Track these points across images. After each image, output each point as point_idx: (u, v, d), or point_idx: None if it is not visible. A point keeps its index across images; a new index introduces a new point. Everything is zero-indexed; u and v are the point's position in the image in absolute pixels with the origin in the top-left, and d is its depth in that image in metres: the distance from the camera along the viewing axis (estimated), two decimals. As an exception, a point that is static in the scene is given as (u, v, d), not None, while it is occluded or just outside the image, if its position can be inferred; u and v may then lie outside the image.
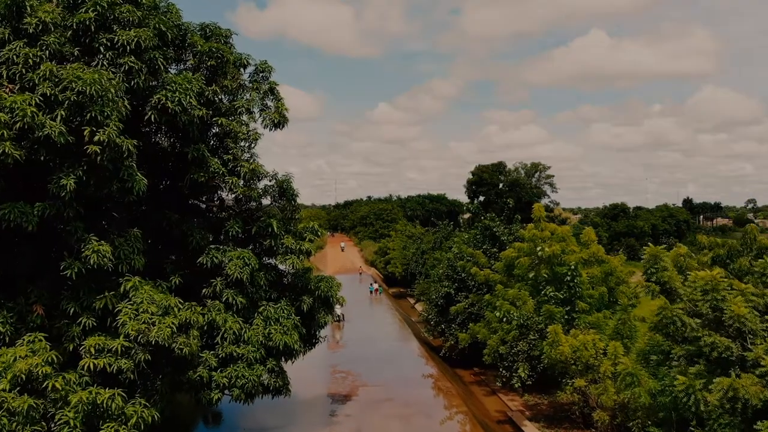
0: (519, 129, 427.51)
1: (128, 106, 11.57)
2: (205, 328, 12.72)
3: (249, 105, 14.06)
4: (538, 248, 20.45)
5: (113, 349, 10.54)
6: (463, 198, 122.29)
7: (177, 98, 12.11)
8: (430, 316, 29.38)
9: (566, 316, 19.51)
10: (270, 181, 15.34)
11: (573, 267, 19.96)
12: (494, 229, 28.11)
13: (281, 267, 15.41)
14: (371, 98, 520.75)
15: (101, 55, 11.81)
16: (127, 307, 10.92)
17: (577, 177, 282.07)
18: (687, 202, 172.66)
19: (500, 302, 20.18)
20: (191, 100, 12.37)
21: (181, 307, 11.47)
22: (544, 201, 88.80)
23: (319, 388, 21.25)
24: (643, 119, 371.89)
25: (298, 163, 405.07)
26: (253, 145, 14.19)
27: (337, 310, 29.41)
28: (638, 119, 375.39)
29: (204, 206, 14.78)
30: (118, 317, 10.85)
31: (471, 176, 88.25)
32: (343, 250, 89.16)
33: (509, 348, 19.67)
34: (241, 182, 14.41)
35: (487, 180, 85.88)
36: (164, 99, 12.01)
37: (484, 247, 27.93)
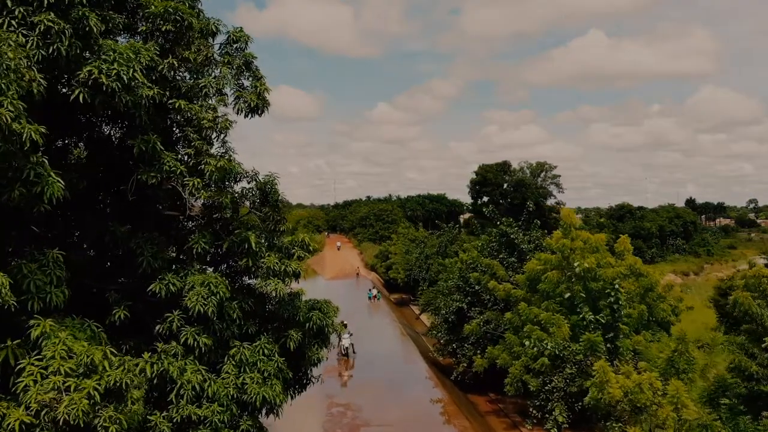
0: (519, 129, 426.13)
1: (43, 80, 8.34)
2: (155, 381, 9.48)
3: (218, 84, 10.79)
4: (576, 263, 17.22)
5: (9, 426, 7.31)
6: (463, 198, 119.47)
7: (115, 71, 8.87)
8: (439, 334, 26.16)
9: (608, 345, 16.33)
10: (249, 182, 12.10)
11: (615, 286, 16.74)
12: (512, 236, 24.90)
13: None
14: (371, 98, 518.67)
15: (8, 12, 8.58)
16: (33, 365, 7.69)
17: (577, 177, 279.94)
18: (690, 202, 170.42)
19: (529, 327, 16.95)
20: (136, 74, 9.13)
21: (114, 360, 8.21)
22: (550, 201, 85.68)
23: (312, 430, 17.97)
24: (643, 119, 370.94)
25: (297, 163, 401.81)
26: (222, 135, 10.90)
27: (345, 341, 25.80)
28: (638, 119, 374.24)
29: (166, 215, 11.49)
30: (21, 378, 7.62)
31: (475, 176, 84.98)
32: (339, 249, 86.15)
33: (541, 383, 16.42)
34: (212, 185, 11.17)
35: (491, 180, 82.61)
36: (96, 72, 8.77)
37: (501, 256, 24.73)
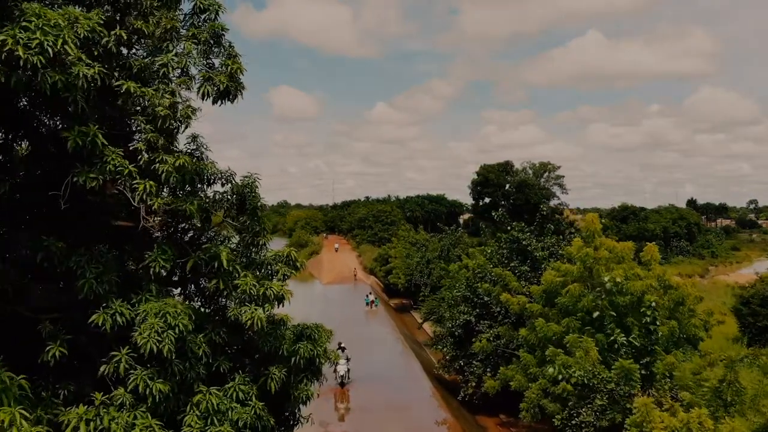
0: (518, 129, 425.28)
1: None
2: (93, 443, 7.37)
3: (181, 63, 8.68)
4: (606, 277, 15.13)
5: None
6: (462, 198, 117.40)
7: (37, 41, 6.79)
8: (445, 349, 24.10)
9: (643, 371, 14.25)
10: (223, 185, 10.01)
11: (652, 303, 14.66)
12: (524, 242, 22.81)
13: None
14: (370, 98, 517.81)
15: None
16: None
17: (576, 177, 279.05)
18: (691, 202, 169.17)
19: (551, 350, 14.83)
20: (67, 47, 7.06)
21: (25, 427, 6.11)
22: (554, 202, 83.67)
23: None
24: (642, 119, 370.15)
25: (296, 163, 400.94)
26: (184, 126, 8.77)
27: (340, 368, 22.34)
28: (637, 119, 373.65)
29: (117, 226, 9.36)
30: None
31: (476, 176, 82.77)
32: (336, 251, 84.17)
33: (567, 416, 14.33)
34: (176, 189, 9.10)
35: (493, 181, 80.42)
36: (11, 42, 6.69)
37: (512, 264, 22.65)
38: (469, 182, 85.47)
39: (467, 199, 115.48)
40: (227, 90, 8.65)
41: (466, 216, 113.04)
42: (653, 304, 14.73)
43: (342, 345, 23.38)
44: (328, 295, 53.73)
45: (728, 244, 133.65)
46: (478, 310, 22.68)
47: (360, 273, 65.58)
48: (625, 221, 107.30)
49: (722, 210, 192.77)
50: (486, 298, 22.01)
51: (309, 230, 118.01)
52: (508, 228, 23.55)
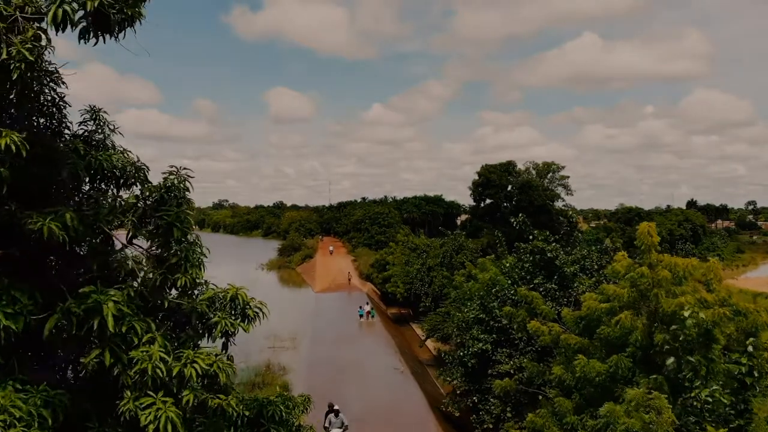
0: (513, 130, 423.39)
1: None
2: None
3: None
4: (686, 312, 11.38)
5: None
6: (459, 198, 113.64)
7: None
8: (455, 381, 20.36)
9: (736, 439, 10.56)
10: (127, 186, 6.28)
11: (749, 348, 10.95)
12: (549, 255, 19.08)
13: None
14: (366, 99, 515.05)
15: None
16: None
17: (571, 178, 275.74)
18: (692, 204, 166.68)
19: (609, 407, 11.04)
20: None
21: None
22: (558, 204, 80.00)
23: None
24: (636, 121, 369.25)
25: (292, 164, 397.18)
26: (15, 75, 4.98)
27: (337, 427, 17.67)
28: (631, 121, 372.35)
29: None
30: None
31: (477, 177, 78.86)
32: (331, 253, 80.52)
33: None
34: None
35: (495, 181, 76.47)
36: None
37: (536, 281, 18.92)
38: (465, 183, 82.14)
39: (463, 200, 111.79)
40: (102, 14, 4.82)
41: (464, 217, 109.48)
42: (750, 348, 11.00)
43: (335, 408, 18.12)
44: (320, 305, 49.81)
45: (732, 246, 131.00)
46: (495, 336, 18.98)
47: (355, 279, 61.65)
48: (630, 223, 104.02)
49: (723, 211, 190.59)
50: (505, 322, 18.30)
51: (303, 232, 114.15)
52: (530, 237, 19.83)
